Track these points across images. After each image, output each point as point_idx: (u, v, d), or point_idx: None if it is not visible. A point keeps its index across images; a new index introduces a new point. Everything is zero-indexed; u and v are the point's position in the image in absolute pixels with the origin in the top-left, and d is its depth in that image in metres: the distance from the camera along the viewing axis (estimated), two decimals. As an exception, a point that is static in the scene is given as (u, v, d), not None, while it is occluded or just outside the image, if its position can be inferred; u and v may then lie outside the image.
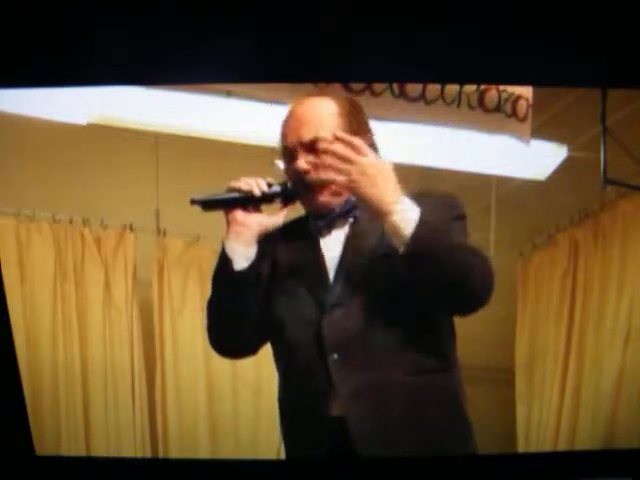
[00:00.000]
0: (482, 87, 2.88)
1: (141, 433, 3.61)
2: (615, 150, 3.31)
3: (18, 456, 2.25)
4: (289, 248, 1.91)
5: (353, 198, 1.86)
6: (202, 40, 2.22)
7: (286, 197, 1.87)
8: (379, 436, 1.77)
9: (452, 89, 2.85)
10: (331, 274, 1.85)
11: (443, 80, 2.69)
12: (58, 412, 3.49)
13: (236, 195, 1.85)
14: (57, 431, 3.48)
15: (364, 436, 1.77)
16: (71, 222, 3.63)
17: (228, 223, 1.85)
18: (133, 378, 3.63)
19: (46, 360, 3.49)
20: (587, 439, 3.51)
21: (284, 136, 1.90)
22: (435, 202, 1.80)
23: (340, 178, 1.76)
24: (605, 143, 3.28)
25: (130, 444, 3.57)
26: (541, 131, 3.29)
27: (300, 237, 1.91)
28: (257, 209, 1.86)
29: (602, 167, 3.29)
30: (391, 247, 1.75)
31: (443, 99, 2.87)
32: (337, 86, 2.72)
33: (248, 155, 3.45)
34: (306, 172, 1.85)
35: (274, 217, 1.87)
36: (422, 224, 1.72)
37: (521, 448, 3.82)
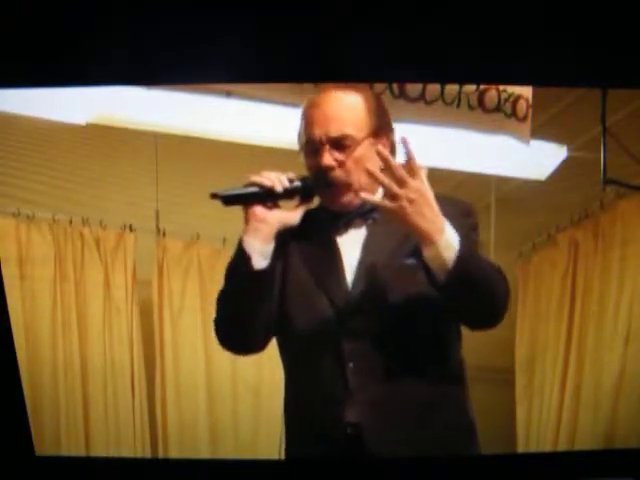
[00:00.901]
0: (482, 87, 2.88)
1: (141, 433, 3.61)
2: (615, 150, 3.31)
3: (18, 456, 2.25)
4: (305, 246, 1.87)
5: (375, 198, 1.82)
6: (202, 40, 2.22)
7: (306, 193, 1.83)
8: (392, 442, 1.77)
9: (452, 89, 2.85)
10: (349, 277, 1.83)
11: (443, 80, 2.69)
12: (58, 412, 3.49)
13: (256, 190, 1.80)
14: (57, 431, 3.48)
15: (377, 442, 1.76)
16: (71, 222, 3.63)
17: (247, 219, 1.80)
18: (133, 378, 3.63)
19: (46, 360, 3.49)
20: (587, 439, 3.51)
21: (309, 128, 1.85)
22: (454, 212, 1.77)
23: (388, 203, 1.69)
24: (605, 143, 3.27)
25: (130, 444, 3.57)
26: (541, 131, 3.29)
27: (316, 235, 1.87)
28: (276, 205, 1.81)
29: (602, 167, 3.28)
30: (415, 257, 1.74)
31: (443, 99, 2.87)
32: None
33: (248, 155, 3.45)
34: (331, 169, 1.81)
35: (292, 214, 1.83)
36: (462, 253, 1.69)
37: (521, 448, 3.82)
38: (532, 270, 4.00)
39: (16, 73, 2.20)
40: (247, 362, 3.76)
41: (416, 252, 1.74)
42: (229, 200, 1.81)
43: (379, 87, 2.74)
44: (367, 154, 1.83)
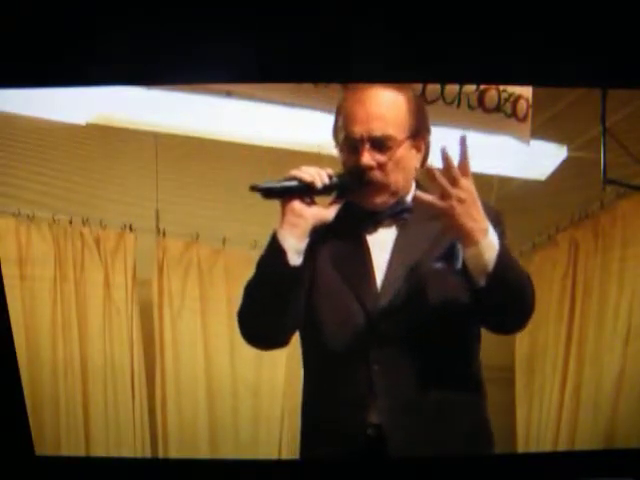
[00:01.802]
0: (482, 87, 2.88)
1: (141, 433, 3.61)
2: (615, 150, 3.31)
3: (18, 456, 2.25)
4: (335, 243, 1.86)
5: (406, 199, 1.84)
6: (202, 40, 2.22)
7: (343, 191, 1.81)
8: (413, 444, 1.78)
9: (452, 89, 2.85)
10: (378, 277, 1.82)
11: (443, 80, 2.69)
12: (58, 412, 3.48)
13: (296, 184, 1.78)
14: (57, 431, 3.47)
15: (398, 444, 1.77)
16: (71, 222, 3.63)
17: (284, 213, 1.78)
18: (133, 378, 3.63)
19: (46, 360, 3.49)
20: (587, 439, 3.51)
21: (349, 125, 1.82)
22: (487, 218, 1.77)
23: (440, 202, 1.69)
24: (605, 143, 3.27)
25: (130, 444, 3.57)
26: (541, 131, 3.29)
27: (347, 233, 1.86)
28: (313, 201, 1.80)
29: (602, 167, 3.28)
30: (446, 261, 1.76)
31: (443, 99, 2.87)
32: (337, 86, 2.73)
33: (248, 155, 3.45)
34: (370, 168, 1.80)
35: (327, 210, 1.81)
36: (502, 254, 1.72)
37: (521, 448, 3.82)
38: (532, 270, 3.99)
39: (16, 73, 2.20)
40: (247, 362, 3.76)
41: (447, 256, 1.76)
42: (268, 193, 1.79)
43: (379, 87, 2.74)
44: (406, 155, 1.84)
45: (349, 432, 1.79)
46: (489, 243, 1.70)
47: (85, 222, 3.65)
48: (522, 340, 3.93)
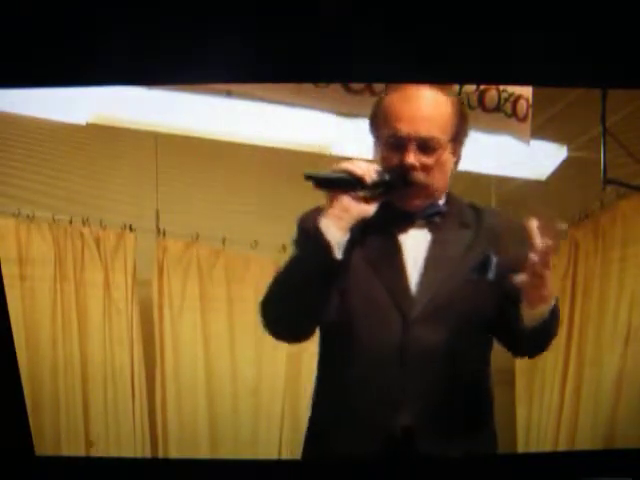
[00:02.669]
0: (482, 87, 2.88)
1: (141, 433, 3.61)
2: (615, 150, 3.31)
3: (18, 456, 2.25)
4: (369, 240, 1.84)
5: (439, 202, 1.85)
6: (202, 40, 2.22)
7: (388, 188, 1.79)
8: (439, 446, 1.80)
9: (452, 89, 2.85)
10: (412, 279, 1.82)
11: (443, 80, 2.69)
12: (58, 412, 3.49)
13: (347, 177, 1.76)
14: (57, 431, 3.47)
15: (427, 446, 1.78)
16: (71, 222, 3.63)
17: (331, 205, 1.75)
18: (133, 378, 3.63)
19: (46, 360, 3.49)
20: (587, 439, 3.51)
21: (395, 122, 1.81)
22: (518, 239, 1.76)
23: (527, 278, 1.69)
24: (605, 143, 3.28)
25: (130, 444, 3.57)
26: (541, 131, 3.29)
27: (381, 231, 1.85)
28: (359, 196, 1.77)
29: (602, 167, 3.28)
30: (478, 271, 1.81)
31: (443, 99, 2.87)
32: (338, 87, 2.73)
33: (248, 155, 3.45)
34: (414, 169, 1.79)
35: (369, 207, 1.78)
36: (554, 310, 1.76)
37: (521, 448, 3.82)
38: (532, 270, 3.99)
39: (16, 73, 2.20)
40: (247, 362, 3.77)
41: (481, 266, 1.79)
42: (321, 183, 1.76)
43: (379, 87, 2.74)
44: (447, 159, 1.84)
45: (376, 432, 1.78)
46: (550, 306, 1.75)
47: (85, 222, 3.65)
48: (522, 340, 3.93)
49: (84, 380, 3.55)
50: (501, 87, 2.89)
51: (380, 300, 1.81)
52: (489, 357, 1.92)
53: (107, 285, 3.66)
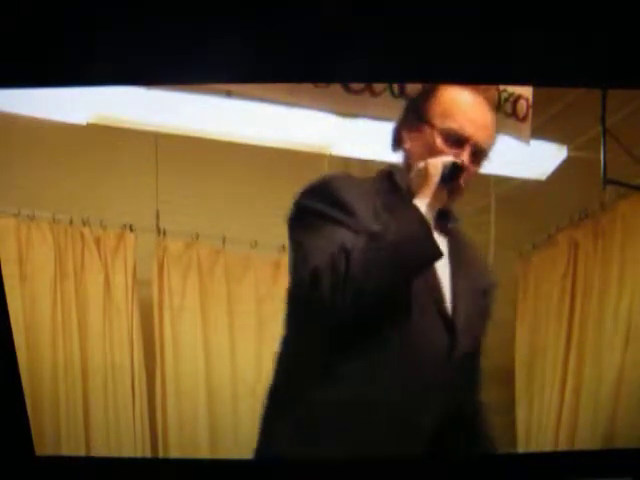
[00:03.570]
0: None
1: (141, 433, 3.61)
2: (615, 150, 3.31)
3: (18, 456, 2.25)
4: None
5: (452, 209, 1.88)
6: (202, 40, 2.22)
7: (446, 181, 1.79)
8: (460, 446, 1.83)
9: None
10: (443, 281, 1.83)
11: (443, 80, 2.69)
12: (58, 412, 3.48)
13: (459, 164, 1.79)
14: (57, 431, 3.47)
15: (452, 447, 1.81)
16: (71, 222, 3.63)
17: (434, 196, 1.77)
18: (133, 378, 3.63)
19: (46, 360, 3.49)
20: (587, 439, 3.51)
21: (460, 119, 1.82)
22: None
23: None
24: (605, 143, 3.28)
25: (130, 444, 3.57)
26: (541, 131, 3.29)
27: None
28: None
29: (602, 167, 3.28)
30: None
31: (443, 99, 2.87)
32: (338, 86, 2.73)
33: (248, 155, 3.45)
34: (463, 169, 1.80)
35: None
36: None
37: (521, 448, 3.82)
38: (532, 270, 4.00)
39: (16, 73, 2.20)
40: (247, 362, 3.77)
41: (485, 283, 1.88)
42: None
43: (379, 87, 2.74)
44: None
45: (402, 434, 1.78)
46: None
47: (85, 222, 3.65)
48: (522, 340, 3.93)
49: (84, 380, 3.55)
50: (501, 87, 2.89)
51: (420, 300, 1.79)
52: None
53: (107, 285, 3.66)
